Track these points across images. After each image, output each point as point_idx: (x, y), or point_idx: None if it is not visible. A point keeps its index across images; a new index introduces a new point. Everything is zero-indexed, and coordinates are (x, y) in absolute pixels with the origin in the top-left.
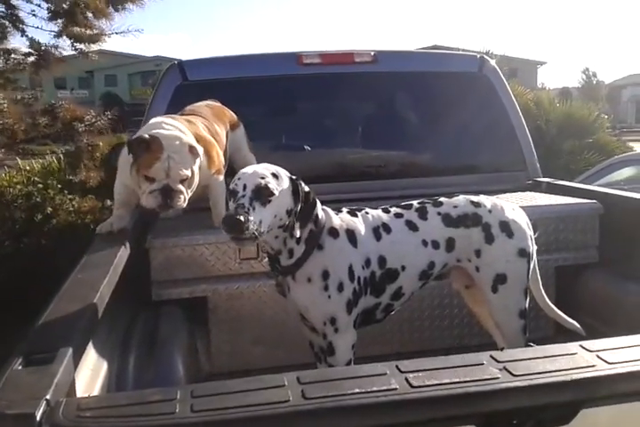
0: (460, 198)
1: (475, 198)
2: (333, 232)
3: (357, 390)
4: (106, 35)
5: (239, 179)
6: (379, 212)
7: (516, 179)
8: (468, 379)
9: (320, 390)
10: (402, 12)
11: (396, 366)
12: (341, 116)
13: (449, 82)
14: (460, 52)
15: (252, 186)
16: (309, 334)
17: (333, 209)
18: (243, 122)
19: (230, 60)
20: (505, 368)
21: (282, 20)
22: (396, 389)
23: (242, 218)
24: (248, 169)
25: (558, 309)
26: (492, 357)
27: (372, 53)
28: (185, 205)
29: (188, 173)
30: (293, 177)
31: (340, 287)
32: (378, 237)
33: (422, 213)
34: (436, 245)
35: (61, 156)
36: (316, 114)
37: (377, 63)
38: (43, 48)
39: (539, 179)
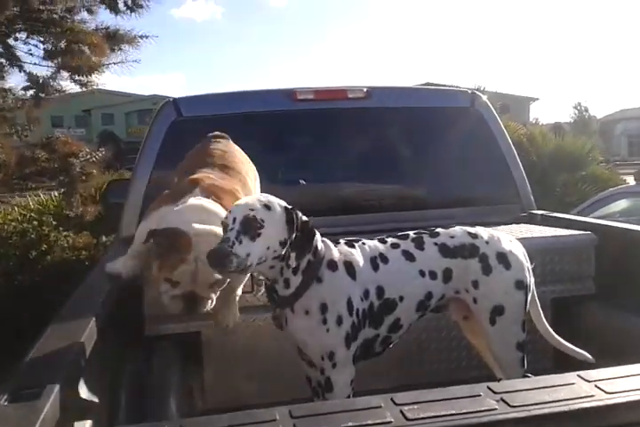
0: (457, 229)
1: (472, 229)
2: (332, 265)
3: (351, 424)
4: (104, 65)
5: (230, 211)
6: (375, 242)
7: (511, 211)
8: (464, 411)
9: (312, 425)
10: (395, 51)
11: (391, 399)
12: (336, 150)
13: (442, 117)
14: (452, 88)
15: (240, 218)
16: (307, 368)
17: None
18: None
19: (225, 96)
20: (502, 399)
21: (276, 56)
22: (390, 422)
23: (225, 252)
24: (241, 201)
25: None
26: (489, 388)
27: (365, 89)
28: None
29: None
30: (289, 207)
31: (339, 321)
32: (375, 268)
33: (419, 243)
34: (433, 275)
35: (56, 189)
36: (311, 149)
37: (370, 99)
38: (41, 81)
39: (533, 211)
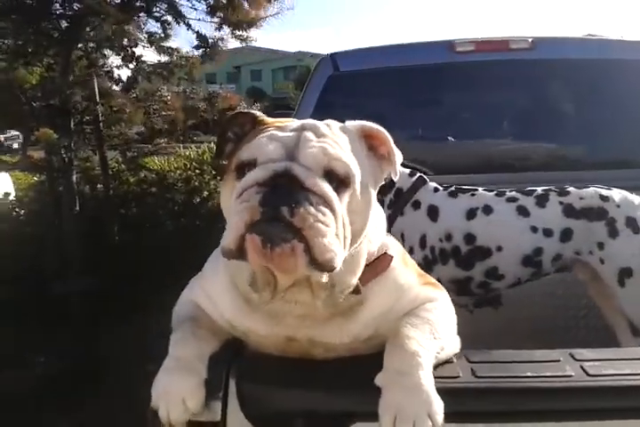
0: (590, 191)
1: (605, 192)
2: (416, 205)
3: (530, 374)
4: (262, 19)
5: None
6: (489, 194)
7: None
8: None
9: (489, 371)
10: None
11: (570, 354)
12: (496, 105)
13: (611, 70)
14: (625, 39)
15: None
16: None
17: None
18: (394, 112)
19: (382, 49)
20: None
21: (425, 8)
22: (571, 376)
23: None
24: None
25: None
26: None
27: (530, 40)
28: None
29: None
30: None
31: (411, 251)
32: (470, 217)
33: (542, 200)
34: (548, 232)
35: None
36: (470, 103)
37: (535, 50)
38: (210, 41)
39: None
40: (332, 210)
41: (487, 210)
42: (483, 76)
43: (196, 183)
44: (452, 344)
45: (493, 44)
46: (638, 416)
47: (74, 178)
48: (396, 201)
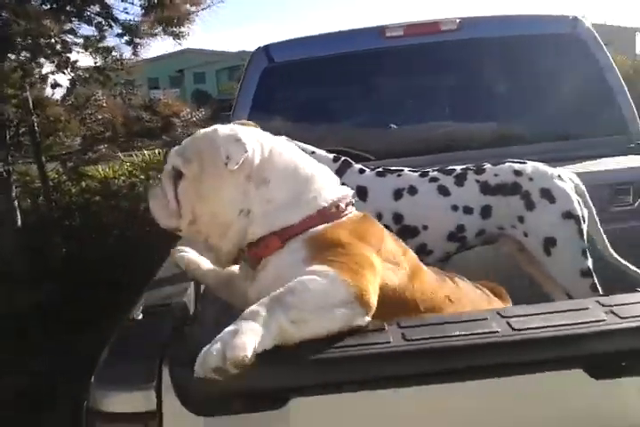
0: (505, 166)
1: (519, 167)
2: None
3: (458, 333)
4: (193, 13)
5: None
6: (414, 175)
7: (617, 143)
8: (572, 322)
9: (420, 333)
10: None
11: (497, 313)
12: (429, 87)
13: (539, 45)
14: (550, 14)
15: None
16: None
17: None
18: (331, 100)
19: (314, 39)
20: (612, 312)
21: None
22: (497, 331)
23: None
24: None
25: None
26: (597, 302)
27: (457, 21)
28: None
29: None
30: None
31: None
32: (397, 197)
33: (460, 179)
34: (468, 210)
35: (160, 148)
36: (404, 87)
37: (462, 30)
38: (134, 28)
39: None
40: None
41: (412, 191)
42: (414, 59)
43: (141, 189)
44: (321, 318)
45: (423, 27)
46: (562, 367)
47: (13, 193)
48: None
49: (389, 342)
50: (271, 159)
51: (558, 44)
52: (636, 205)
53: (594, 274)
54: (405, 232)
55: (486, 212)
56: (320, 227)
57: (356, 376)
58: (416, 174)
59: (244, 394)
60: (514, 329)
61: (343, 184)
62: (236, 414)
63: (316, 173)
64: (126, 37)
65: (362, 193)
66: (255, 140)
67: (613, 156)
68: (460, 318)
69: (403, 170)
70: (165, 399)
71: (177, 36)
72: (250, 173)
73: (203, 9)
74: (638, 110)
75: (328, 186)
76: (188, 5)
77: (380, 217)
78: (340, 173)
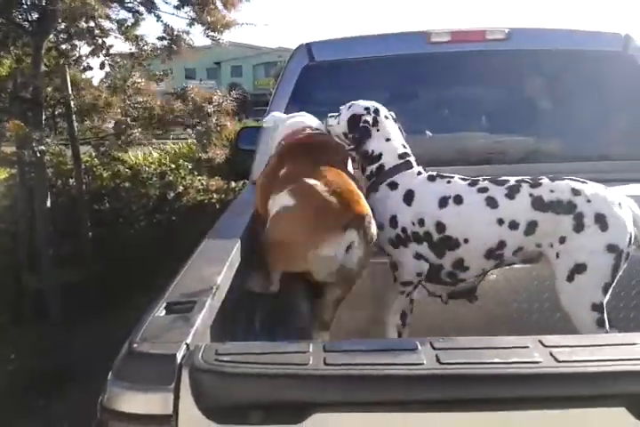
0: (562, 183)
1: (578, 186)
2: (392, 185)
3: (497, 360)
4: (236, 24)
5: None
6: (463, 183)
7: None
8: (618, 357)
9: (454, 357)
10: None
11: (539, 341)
12: (471, 96)
13: (588, 62)
14: (601, 31)
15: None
16: None
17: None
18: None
19: (357, 39)
20: None
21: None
22: (539, 362)
23: None
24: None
25: None
26: None
27: (506, 31)
28: None
29: None
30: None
31: (381, 227)
32: (442, 205)
33: (512, 191)
34: (513, 225)
35: (193, 136)
36: (445, 94)
37: (510, 40)
38: (175, 33)
39: None
40: None
41: (458, 200)
42: (457, 66)
43: (171, 178)
44: None
45: (468, 35)
46: (605, 404)
47: (46, 172)
48: (376, 174)
49: (422, 364)
50: None
51: (608, 61)
52: None
53: (605, 310)
54: (446, 243)
55: (531, 228)
56: None
57: (383, 397)
58: (465, 183)
59: (264, 405)
60: (557, 361)
61: (395, 184)
62: (252, 425)
63: None
64: (165, 42)
65: (409, 196)
66: None
67: None
68: (498, 344)
69: (453, 177)
70: (182, 403)
71: (217, 41)
72: None
73: (247, 24)
74: None
75: None
76: (232, 12)
77: (422, 223)
78: (398, 170)
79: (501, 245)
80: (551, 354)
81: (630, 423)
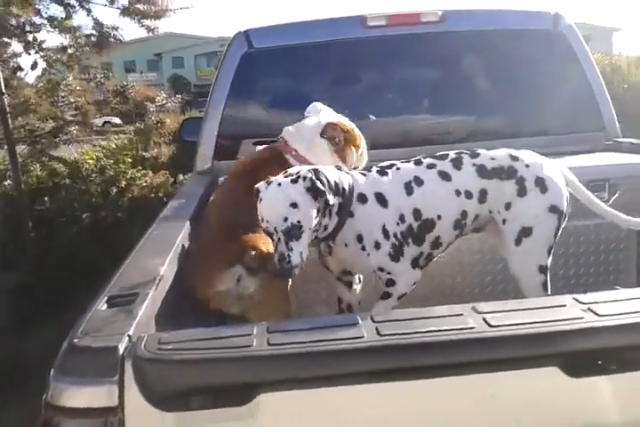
0: (500, 151)
1: (515, 153)
2: (362, 198)
3: (433, 329)
4: (170, 10)
5: (267, 221)
6: (410, 165)
7: (594, 139)
8: (549, 319)
9: (394, 328)
10: None
11: (472, 308)
12: (409, 79)
13: (521, 40)
14: (531, 10)
15: (281, 228)
16: (341, 290)
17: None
18: (309, 88)
19: (295, 25)
20: (590, 309)
21: None
22: (473, 327)
23: (288, 267)
24: (269, 208)
25: None
26: (574, 299)
27: (440, 13)
28: None
29: None
30: (312, 181)
31: (377, 246)
32: (410, 192)
33: (457, 163)
34: (468, 194)
35: (132, 133)
36: (383, 77)
37: (445, 22)
38: (104, 29)
39: (619, 139)
40: None
41: (418, 181)
42: (394, 49)
43: (111, 173)
44: None
45: (404, 18)
46: (539, 364)
47: None
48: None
49: (363, 337)
50: None
51: (540, 39)
52: (611, 201)
53: (548, 273)
54: (425, 227)
55: (483, 195)
56: None
57: (327, 372)
58: (412, 164)
59: (210, 390)
60: (490, 326)
61: (363, 196)
62: (199, 410)
63: None
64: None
65: (381, 199)
66: None
67: (590, 152)
68: (434, 314)
69: (395, 164)
70: (128, 394)
71: (151, 30)
72: None
73: (182, 8)
74: (615, 108)
75: None
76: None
77: (402, 219)
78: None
79: (464, 214)
80: (484, 320)
81: (564, 381)
